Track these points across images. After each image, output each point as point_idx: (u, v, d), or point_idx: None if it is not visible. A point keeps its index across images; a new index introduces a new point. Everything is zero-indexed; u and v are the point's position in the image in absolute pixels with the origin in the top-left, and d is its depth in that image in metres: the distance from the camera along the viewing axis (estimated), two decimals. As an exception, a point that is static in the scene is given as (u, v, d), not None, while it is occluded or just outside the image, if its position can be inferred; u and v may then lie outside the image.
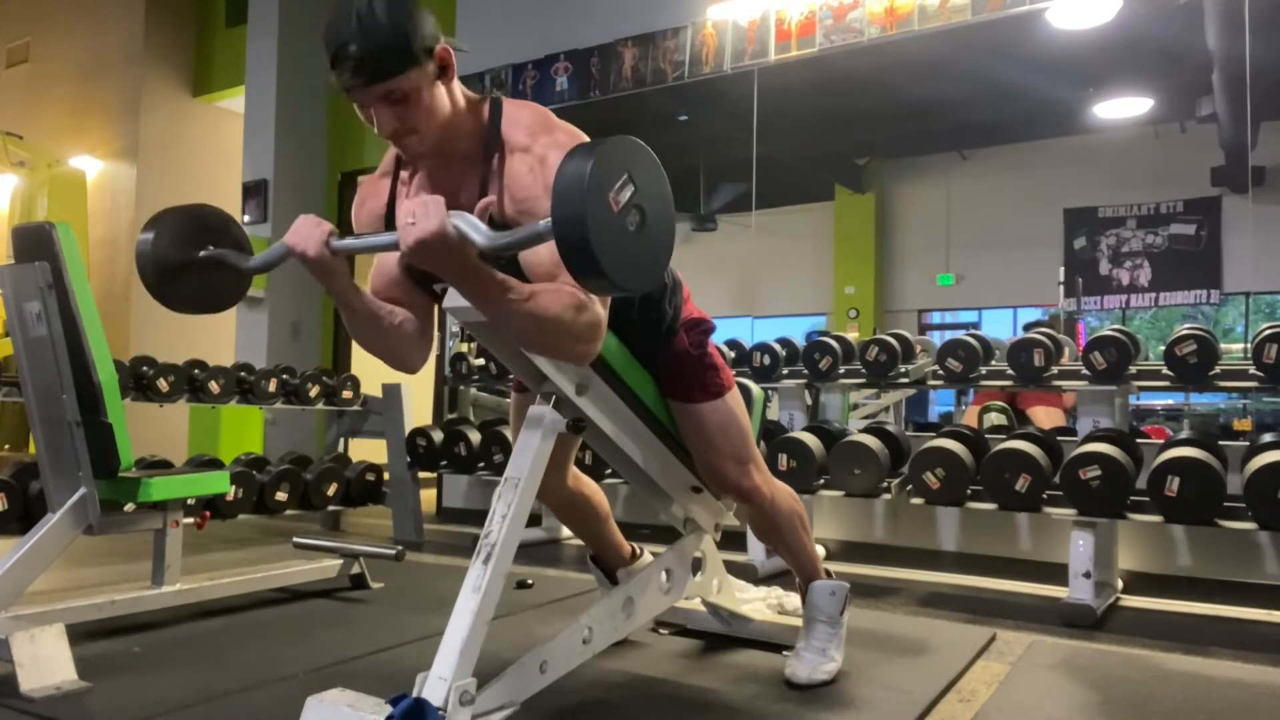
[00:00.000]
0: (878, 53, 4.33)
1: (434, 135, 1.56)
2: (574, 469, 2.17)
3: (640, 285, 1.35)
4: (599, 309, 1.54)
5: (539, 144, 1.58)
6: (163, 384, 4.14)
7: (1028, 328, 4.16)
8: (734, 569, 2.49)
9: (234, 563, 3.23)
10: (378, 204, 1.74)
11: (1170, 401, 5.98)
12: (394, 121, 1.52)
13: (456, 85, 1.60)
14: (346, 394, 4.81)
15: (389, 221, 1.70)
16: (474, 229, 1.38)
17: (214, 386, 4.30)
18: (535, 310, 1.47)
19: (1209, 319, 6.68)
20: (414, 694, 1.47)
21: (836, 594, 2.13)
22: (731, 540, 2.39)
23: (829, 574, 2.22)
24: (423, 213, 1.37)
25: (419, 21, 1.50)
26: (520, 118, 1.62)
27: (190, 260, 1.74)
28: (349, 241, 1.57)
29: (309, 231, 1.53)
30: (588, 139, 1.62)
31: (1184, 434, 3.56)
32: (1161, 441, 3.33)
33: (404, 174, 1.72)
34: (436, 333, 5.45)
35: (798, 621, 2.30)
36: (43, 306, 2.24)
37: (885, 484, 3.27)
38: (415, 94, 1.51)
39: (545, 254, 1.51)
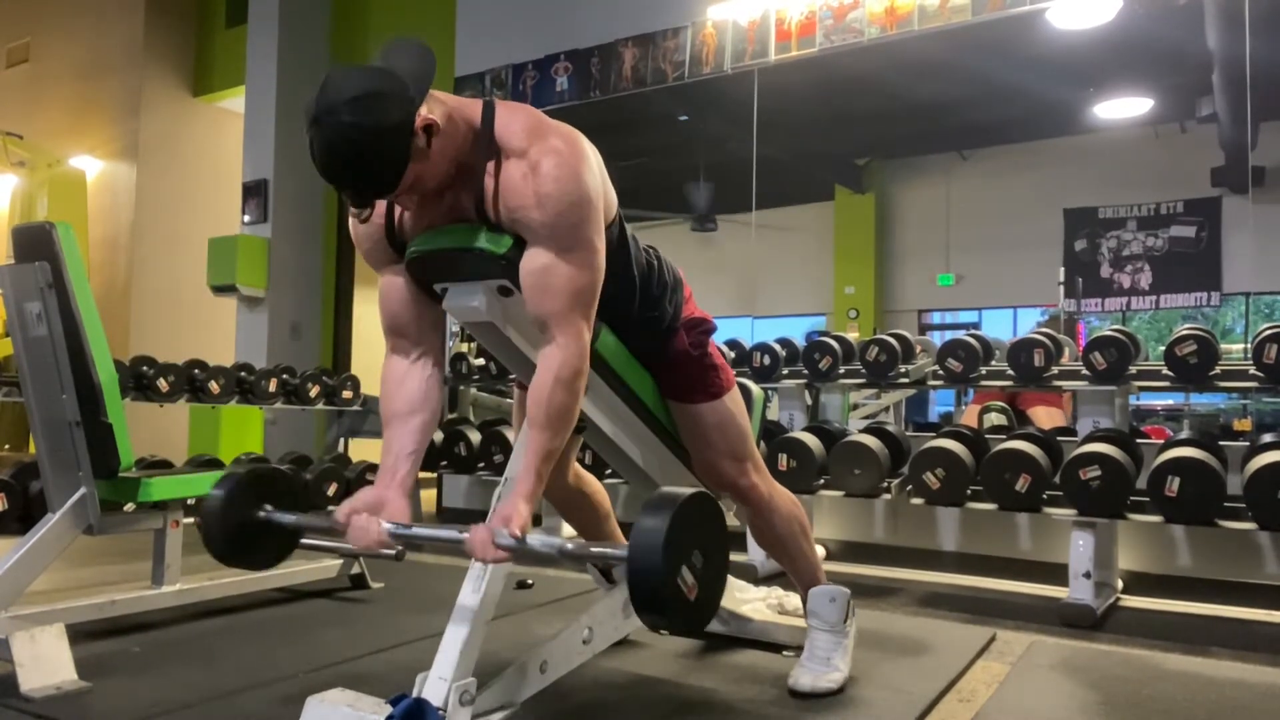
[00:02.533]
0: (878, 53, 4.33)
1: (435, 183, 1.58)
2: (577, 467, 2.17)
3: (694, 631, 1.58)
4: (585, 342, 1.59)
5: (534, 149, 1.56)
6: (163, 384, 4.14)
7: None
8: (734, 569, 2.48)
9: (234, 563, 3.22)
10: (375, 212, 1.72)
11: (1170, 401, 5.97)
12: (404, 202, 1.61)
13: (445, 117, 1.56)
14: (346, 394, 4.81)
15: (389, 230, 1.70)
16: (546, 545, 1.53)
17: (214, 386, 4.30)
18: (553, 446, 1.58)
19: (1209, 320, 6.68)
20: (414, 694, 1.47)
21: (837, 600, 2.08)
22: (731, 540, 2.38)
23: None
24: (478, 545, 1.50)
25: (391, 124, 1.45)
26: (514, 122, 1.60)
27: (252, 521, 1.78)
28: (409, 532, 1.60)
29: (365, 527, 1.60)
30: (583, 140, 1.61)
31: (1184, 434, 3.57)
32: (1161, 441, 3.33)
33: None
34: (441, 338, 5.46)
35: (797, 621, 2.30)
36: (43, 306, 2.24)
37: (885, 484, 3.27)
38: (409, 178, 1.52)
39: (560, 284, 1.55)
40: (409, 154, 1.48)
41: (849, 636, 2.10)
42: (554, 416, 1.56)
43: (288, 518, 1.78)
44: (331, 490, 4.01)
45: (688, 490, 1.43)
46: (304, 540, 2.46)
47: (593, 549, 1.52)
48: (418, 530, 1.59)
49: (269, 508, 1.79)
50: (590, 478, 2.23)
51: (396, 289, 1.73)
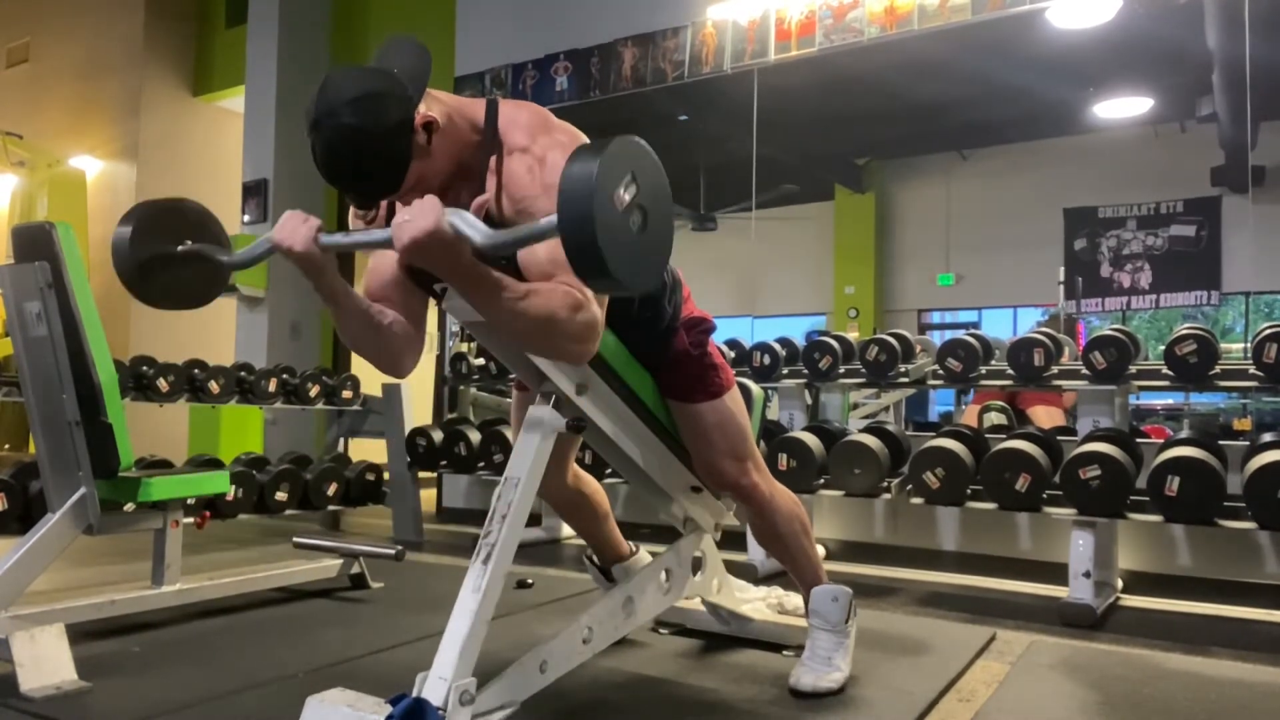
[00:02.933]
0: (878, 52, 4.33)
1: (439, 179, 1.57)
2: (575, 467, 2.17)
3: (642, 284, 1.35)
4: (596, 309, 1.54)
5: (538, 144, 1.57)
6: (163, 384, 4.14)
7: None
8: (734, 569, 2.49)
9: (234, 563, 3.23)
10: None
11: (1170, 401, 5.97)
12: (409, 199, 1.56)
13: (445, 116, 1.56)
14: (346, 394, 4.81)
15: (388, 223, 1.69)
16: (471, 227, 1.37)
17: (214, 386, 4.30)
18: (532, 309, 1.46)
19: (1209, 319, 6.68)
20: (414, 694, 1.47)
21: (839, 599, 2.07)
22: (731, 540, 2.39)
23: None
24: (418, 210, 1.37)
25: (390, 125, 1.45)
26: (518, 118, 1.62)
27: (169, 254, 1.71)
28: (339, 238, 1.53)
29: (295, 227, 1.51)
30: (586, 139, 1.62)
31: (1184, 434, 3.56)
32: (1161, 441, 3.33)
33: None
34: (436, 333, 5.47)
35: (798, 621, 2.30)
36: (43, 306, 2.24)
37: (885, 484, 3.27)
38: (412, 177, 1.52)
39: (543, 253, 1.51)
40: (410, 152, 1.49)
41: (850, 636, 2.10)
42: (550, 320, 1.48)
43: (206, 246, 1.71)
44: (332, 490, 4.02)
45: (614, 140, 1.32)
46: (304, 540, 2.46)
47: (521, 232, 1.36)
48: (340, 236, 1.53)
49: (189, 242, 1.72)
50: (588, 478, 2.23)
51: (386, 272, 1.72)
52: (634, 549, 2.33)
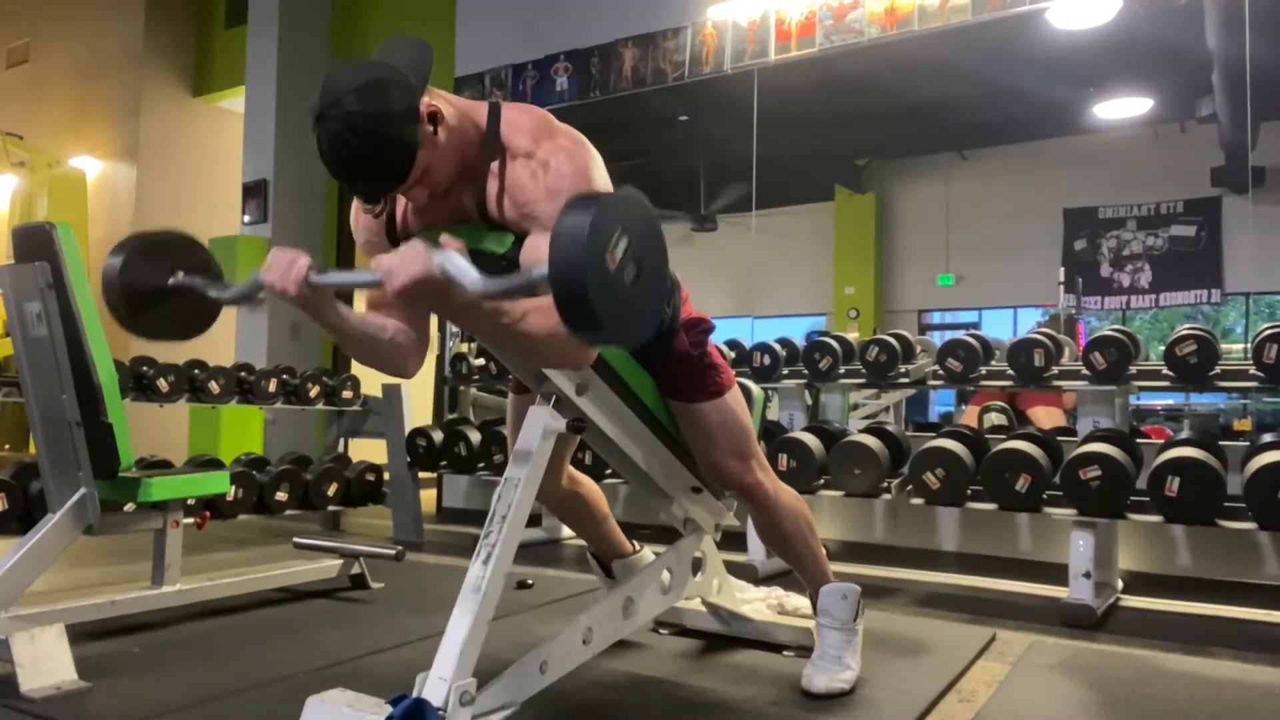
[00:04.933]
0: (878, 53, 4.33)
1: (443, 178, 1.57)
2: (570, 469, 2.17)
3: (635, 338, 1.34)
4: None
5: (542, 148, 1.57)
6: (163, 384, 4.14)
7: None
8: (734, 569, 2.49)
9: (234, 563, 3.23)
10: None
11: (1170, 401, 5.97)
12: (416, 195, 1.58)
13: (451, 112, 1.56)
14: (346, 394, 4.81)
15: (389, 228, 1.69)
16: (462, 273, 1.35)
17: (214, 386, 4.30)
18: (530, 328, 1.47)
19: (1209, 319, 6.68)
20: (414, 694, 1.47)
21: (849, 597, 2.06)
22: (731, 540, 2.39)
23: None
24: (408, 256, 1.36)
25: (395, 115, 1.45)
26: (521, 122, 1.61)
27: (159, 287, 1.69)
28: (329, 278, 1.50)
29: (284, 269, 1.47)
30: (588, 143, 1.62)
31: (1184, 434, 3.56)
32: (1161, 441, 3.33)
33: None
34: (436, 333, 5.46)
35: (797, 621, 2.30)
36: (43, 306, 2.24)
37: (885, 484, 3.27)
38: (420, 167, 1.51)
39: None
40: (417, 139, 1.48)
41: (859, 634, 2.08)
42: (548, 338, 1.46)
43: (198, 280, 1.69)
44: (332, 490, 4.02)
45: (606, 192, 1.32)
46: (304, 541, 2.46)
47: (517, 279, 1.34)
48: (333, 274, 1.51)
49: (180, 274, 1.71)
50: (584, 479, 2.23)
51: None
52: (636, 547, 2.33)
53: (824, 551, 2.17)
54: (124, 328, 1.71)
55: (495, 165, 1.59)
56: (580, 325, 1.25)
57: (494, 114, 1.63)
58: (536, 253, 1.53)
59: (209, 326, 1.81)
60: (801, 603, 2.35)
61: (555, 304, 1.24)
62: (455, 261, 1.36)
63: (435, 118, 1.52)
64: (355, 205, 1.79)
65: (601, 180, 1.58)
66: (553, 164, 1.55)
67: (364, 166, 1.46)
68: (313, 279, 1.48)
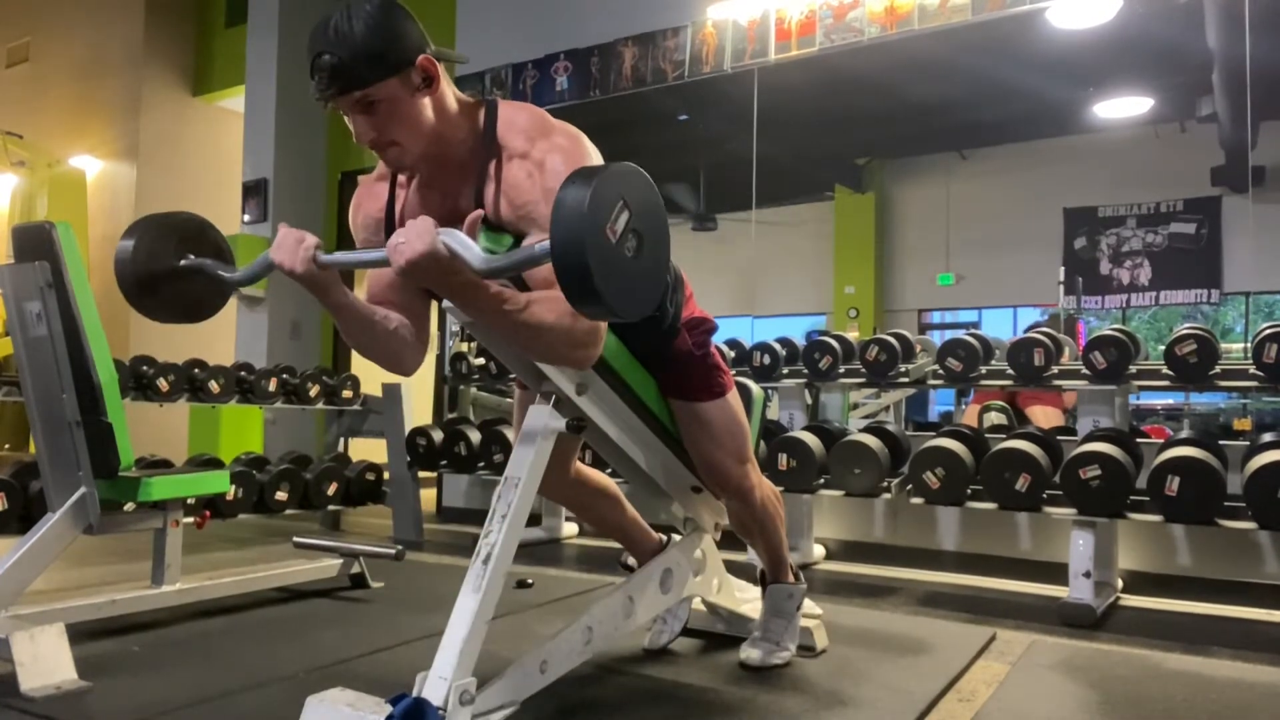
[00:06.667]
0: (878, 52, 4.33)
1: (418, 146, 1.54)
2: (578, 464, 2.15)
3: (637, 311, 1.34)
4: (596, 327, 1.54)
5: (537, 148, 1.57)
6: (163, 384, 4.14)
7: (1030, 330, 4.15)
8: (734, 569, 2.48)
9: (234, 563, 3.23)
10: (375, 207, 1.73)
11: (1170, 401, 5.97)
12: (371, 130, 1.51)
13: (447, 93, 1.57)
14: (346, 393, 4.81)
15: (388, 226, 1.69)
16: (466, 249, 1.36)
17: (214, 386, 4.30)
18: (533, 320, 1.47)
19: (1209, 319, 6.68)
20: (414, 694, 1.47)
21: (794, 597, 2.24)
22: (731, 540, 2.39)
23: (797, 576, 2.28)
24: (413, 233, 1.36)
25: (398, 32, 1.48)
26: (517, 120, 1.61)
27: (171, 270, 1.71)
28: (337, 257, 1.52)
29: (292, 247, 1.49)
30: (586, 139, 1.62)
31: (1184, 434, 3.56)
32: (1161, 441, 3.33)
33: (401, 177, 1.70)
34: (436, 332, 5.46)
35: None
36: (43, 306, 2.24)
37: (885, 483, 3.27)
38: (391, 104, 1.49)
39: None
40: (398, 64, 1.47)
41: (797, 619, 2.24)
42: (552, 329, 1.47)
43: (207, 262, 1.71)
44: (332, 490, 4.02)
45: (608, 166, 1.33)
46: (305, 540, 2.45)
47: (516, 257, 1.35)
48: (342, 255, 1.53)
49: (191, 256, 1.72)
50: (593, 473, 2.20)
51: (387, 275, 1.71)
52: (665, 540, 2.27)
53: (786, 543, 2.28)
54: (135, 308, 1.72)
55: (492, 166, 1.59)
56: (582, 297, 1.25)
57: (490, 113, 1.62)
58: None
59: (220, 308, 1.82)
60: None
61: (556, 275, 1.24)
62: (459, 238, 1.36)
63: (429, 80, 1.52)
64: (352, 206, 1.79)
65: None
66: (548, 164, 1.54)
67: (356, 43, 1.44)
68: (321, 258, 1.49)
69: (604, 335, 1.58)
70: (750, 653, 2.14)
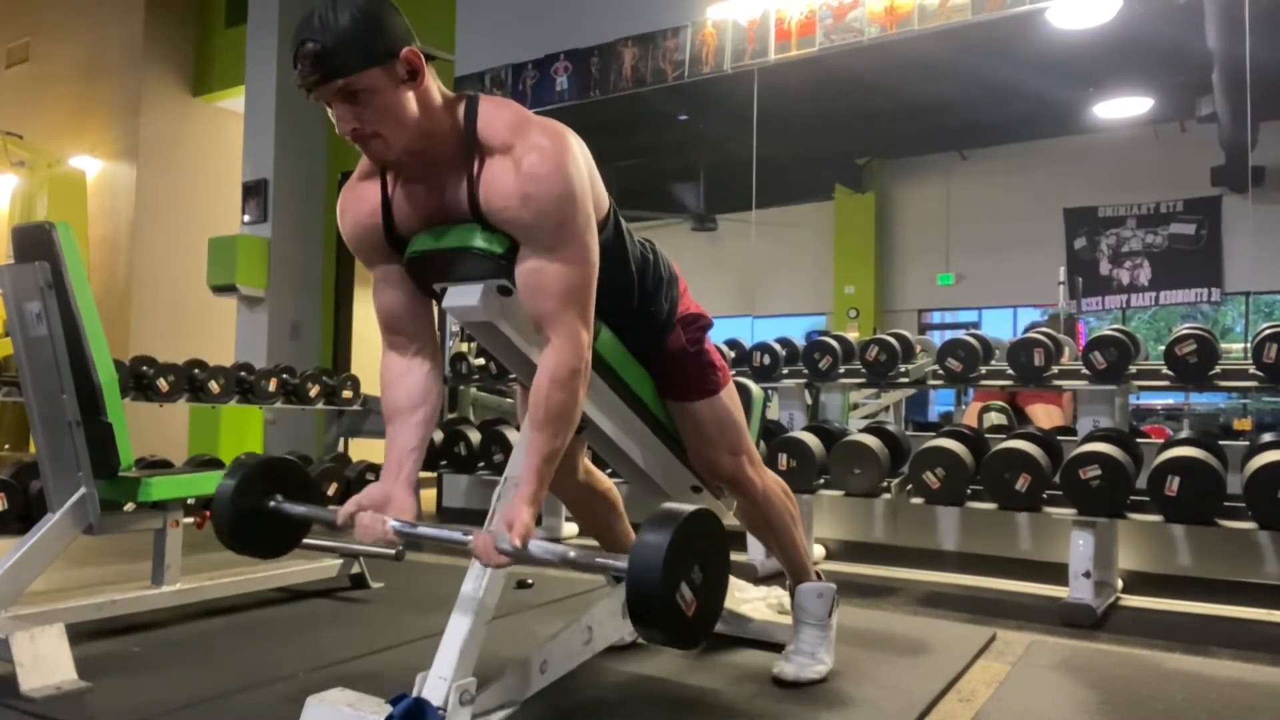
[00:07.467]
0: (878, 52, 4.33)
1: (400, 140, 1.54)
2: (587, 463, 2.17)
3: (689, 646, 1.59)
4: (578, 359, 1.57)
5: (516, 147, 1.55)
6: (163, 384, 4.14)
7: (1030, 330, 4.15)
8: (734, 569, 2.48)
9: (234, 563, 3.22)
10: (366, 210, 1.71)
11: (1170, 401, 5.97)
12: (352, 121, 1.51)
13: (431, 89, 1.56)
14: (346, 394, 4.81)
15: (387, 226, 1.69)
16: (549, 553, 1.52)
17: (214, 386, 4.30)
18: (552, 447, 1.57)
19: (1208, 318, 6.67)
20: (414, 694, 1.48)
21: (824, 596, 2.14)
22: (731, 540, 2.38)
23: (819, 576, 2.22)
24: (489, 542, 1.52)
25: (383, 23, 1.48)
26: (496, 118, 1.59)
27: (260, 509, 1.82)
28: (411, 529, 1.63)
29: (373, 525, 1.64)
30: (569, 135, 1.59)
31: (1184, 434, 3.56)
32: (1161, 441, 3.33)
33: (389, 175, 1.69)
34: (436, 333, 5.46)
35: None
36: (43, 306, 2.24)
37: (885, 484, 3.27)
38: (373, 95, 1.48)
39: (554, 286, 1.54)
40: (381, 55, 1.48)
41: (832, 629, 2.16)
42: (552, 417, 1.55)
43: (297, 509, 1.80)
44: (332, 490, 4.02)
45: (690, 508, 1.44)
46: (305, 540, 2.45)
47: (596, 560, 1.50)
48: (423, 529, 1.61)
49: (279, 498, 1.80)
50: (601, 476, 2.23)
51: (391, 286, 1.73)
52: None
53: (807, 544, 2.22)
54: (225, 544, 1.84)
55: (475, 163, 1.58)
56: (645, 631, 1.43)
57: (471, 110, 1.60)
58: (539, 276, 1.54)
59: (295, 547, 1.96)
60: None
61: (629, 608, 1.40)
62: (540, 545, 1.52)
63: (415, 72, 1.52)
64: (340, 208, 1.78)
65: (579, 178, 1.56)
66: (526, 164, 1.53)
67: (340, 31, 1.45)
68: (399, 529, 1.63)
69: (588, 370, 1.61)
70: (784, 667, 2.06)
